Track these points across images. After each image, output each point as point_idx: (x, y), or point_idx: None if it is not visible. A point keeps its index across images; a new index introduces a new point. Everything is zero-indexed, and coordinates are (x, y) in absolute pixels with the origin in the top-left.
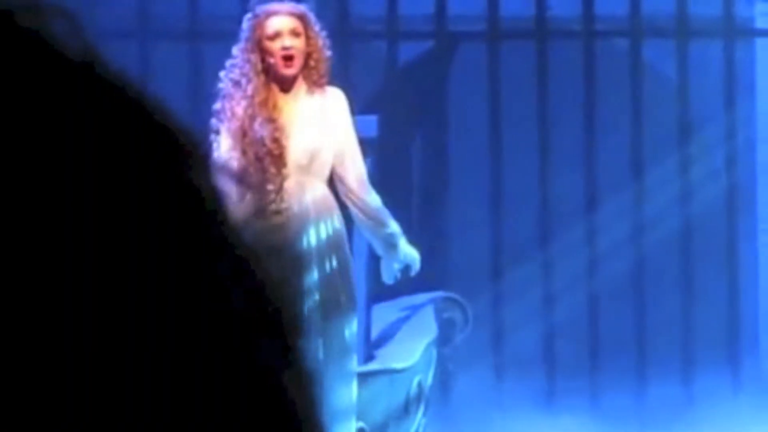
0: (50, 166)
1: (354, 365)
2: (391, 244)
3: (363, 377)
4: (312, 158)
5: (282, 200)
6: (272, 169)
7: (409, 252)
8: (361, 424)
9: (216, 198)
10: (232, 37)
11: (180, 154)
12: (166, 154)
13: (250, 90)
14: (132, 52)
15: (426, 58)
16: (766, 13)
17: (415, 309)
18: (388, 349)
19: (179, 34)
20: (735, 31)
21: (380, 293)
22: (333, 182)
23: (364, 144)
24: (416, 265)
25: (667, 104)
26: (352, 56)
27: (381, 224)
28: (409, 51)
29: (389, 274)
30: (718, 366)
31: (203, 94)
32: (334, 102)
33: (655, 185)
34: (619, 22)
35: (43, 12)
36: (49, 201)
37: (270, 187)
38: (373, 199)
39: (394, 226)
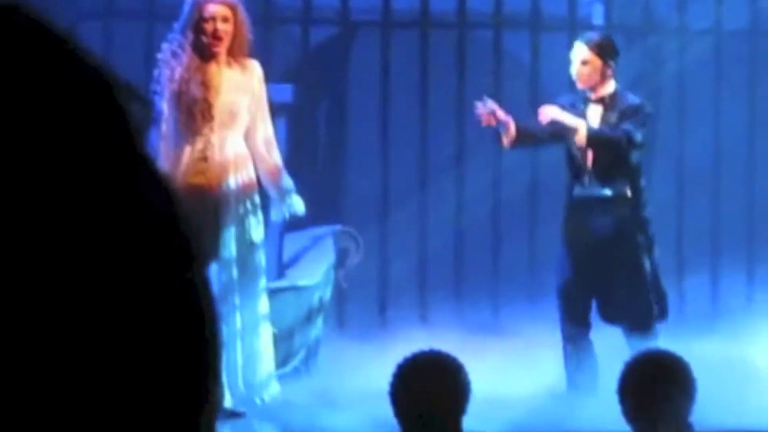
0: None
1: (263, 284)
2: (283, 195)
3: (275, 292)
4: (233, 115)
5: (208, 149)
6: (201, 123)
7: (296, 203)
8: (273, 329)
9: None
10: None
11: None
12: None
13: (185, 59)
14: (97, 32)
15: (332, 40)
16: (600, 13)
17: (318, 238)
18: (295, 270)
19: (139, 15)
20: (577, 26)
21: (291, 225)
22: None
23: (282, 107)
24: (301, 212)
25: (521, 86)
26: (273, 37)
27: (277, 179)
28: (319, 34)
29: (277, 214)
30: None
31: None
32: (252, 71)
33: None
34: (485, 16)
35: None
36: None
37: (199, 137)
38: (275, 157)
39: (288, 182)
